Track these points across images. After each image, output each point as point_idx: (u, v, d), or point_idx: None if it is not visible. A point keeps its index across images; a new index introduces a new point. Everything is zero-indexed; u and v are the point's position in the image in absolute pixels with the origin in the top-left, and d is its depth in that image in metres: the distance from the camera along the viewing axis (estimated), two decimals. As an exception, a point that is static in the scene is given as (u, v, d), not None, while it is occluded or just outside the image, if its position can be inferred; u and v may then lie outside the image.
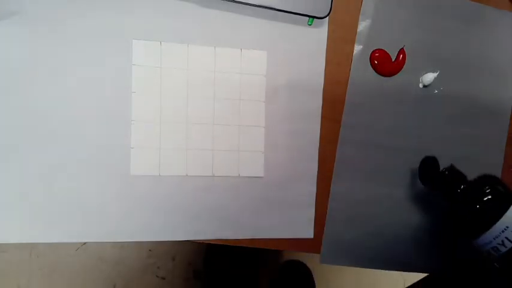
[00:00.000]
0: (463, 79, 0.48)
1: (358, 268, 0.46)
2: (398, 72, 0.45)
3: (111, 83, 0.39)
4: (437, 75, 0.46)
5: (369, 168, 0.46)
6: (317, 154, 0.44)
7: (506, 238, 0.37)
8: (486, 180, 0.41)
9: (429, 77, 0.46)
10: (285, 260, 1.03)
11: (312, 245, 0.45)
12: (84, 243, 0.96)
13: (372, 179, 0.46)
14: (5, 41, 0.37)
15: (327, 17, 0.42)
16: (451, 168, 0.41)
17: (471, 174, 0.49)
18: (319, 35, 0.43)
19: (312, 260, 1.01)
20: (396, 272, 0.48)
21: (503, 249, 0.37)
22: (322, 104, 0.44)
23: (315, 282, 1.00)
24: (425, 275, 0.55)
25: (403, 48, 0.45)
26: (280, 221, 0.44)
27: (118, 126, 0.40)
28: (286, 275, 1.00)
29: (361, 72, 0.45)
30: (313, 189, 0.44)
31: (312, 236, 0.45)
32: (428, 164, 0.43)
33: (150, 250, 1.01)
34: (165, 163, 0.41)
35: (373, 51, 0.45)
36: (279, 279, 1.00)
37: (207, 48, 0.41)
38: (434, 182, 0.42)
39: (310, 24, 0.43)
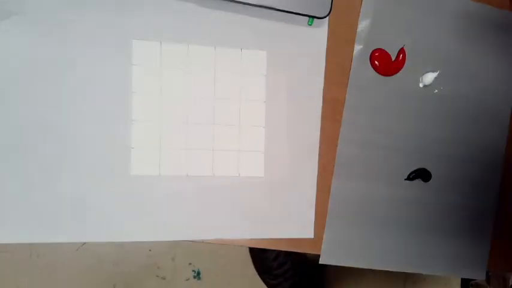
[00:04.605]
0: (463, 79, 0.48)
1: (358, 268, 0.46)
2: (398, 72, 0.45)
3: (111, 83, 0.39)
4: (437, 75, 0.46)
5: (369, 168, 0.46)
6: (317, 154, 0.44)
7: None
8: None
9: (429, 77, 0.46)
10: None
11: (312, 245, 0.45)
12: (84, 243, 0.96)
13: (372, 179, 0.46)
14: (5, 41, 0.37)
15: (327, 17, 0.42)
16: None
17: (471, 174, 0.49)
18: (319, 35, 0.43)
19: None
20: (396, 271, 0.48)
21: None
22: (322, 104, 0.44)
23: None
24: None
25: (403, 48, 0.45)
26: (280, 221, 0.44)
27: (118, 126, 0.40)
28: None
29: (361, 72, 0.45)
30: (313, 189, 0.44)
31: (312, 236, 0.45)
32: None
33: (150, 250, 1.01)
34: (165, 163, 0.41)
35: (373, 51, 0.45)
36: None
37: (207, 48, 0.41)
38: None
39: (310, 24, 0.43)
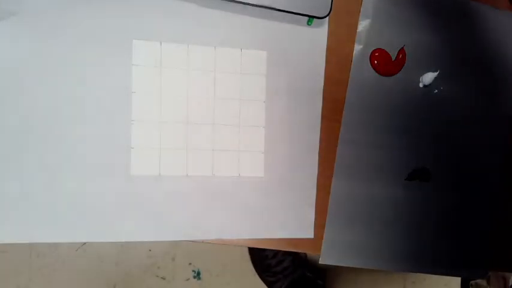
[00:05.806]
0: (463, 79, 0.48)
1: (358, 268, 0.46)
2: (398, 72, 0.45)
3: (111, 83, 0.39)
4: (437, 75, 0.46)
5: (369, 168, 0.46)
6: (317, 154, 0.44)
7: None
8: None
9: (429, 77, 0.46)
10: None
11: (312, 245, 0.45)
12: (84, 243, 0.96)
13: (372, 178, 0.46)
14: (5, 41, 0.37)
15: (327, 17, 0.42)
16: None
17: (471, 174, 0.49)
18: (319, 35, 0.43)
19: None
20: (396, 271, 0.48)
21: None
22: (322, 104, 0.44)
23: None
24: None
25: (403, 47, 0.45)
26: (280, 221, 0.44)
27: (118, 126, 0.40)
28: None
29: (361, 72, 0.45)
30: (313, 189, 0.44)
31: (312, 236, 0.45)
32: None
33: (150, 250, 1.01)
34: (165, 163, 0.41)
35: (373, 51, 0.45)
36: None
37: (207, 48, 0.41)
38: None
39: (310, 24, 0.43)
